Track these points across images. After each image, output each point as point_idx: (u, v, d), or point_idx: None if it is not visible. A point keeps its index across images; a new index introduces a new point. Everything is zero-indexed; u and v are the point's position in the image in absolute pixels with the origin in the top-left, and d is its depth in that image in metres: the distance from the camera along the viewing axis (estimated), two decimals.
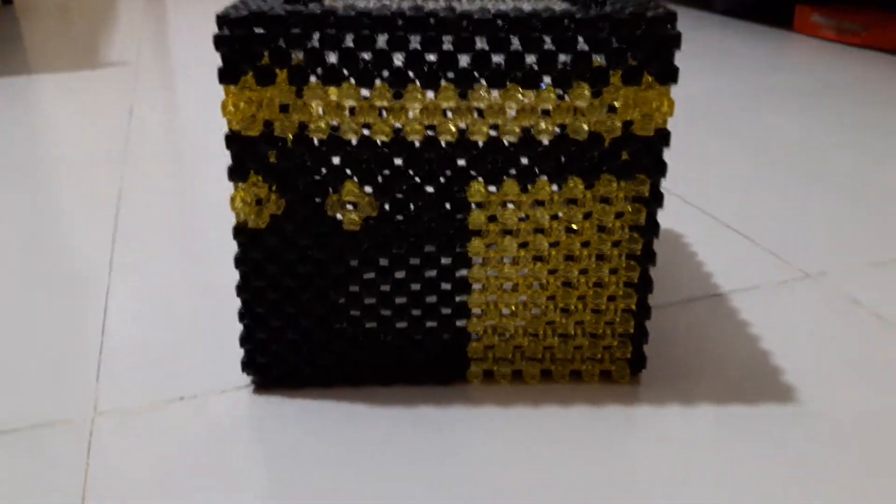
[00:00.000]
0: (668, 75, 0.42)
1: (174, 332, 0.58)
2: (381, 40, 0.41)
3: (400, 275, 0.48)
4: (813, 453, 0.45)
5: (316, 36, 0.41)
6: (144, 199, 0.83)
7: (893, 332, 0.57)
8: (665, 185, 0.86)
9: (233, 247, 0.70)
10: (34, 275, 0.67)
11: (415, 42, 0.41)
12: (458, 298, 0.48)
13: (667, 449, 0.45)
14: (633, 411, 0.49)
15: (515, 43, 0.42)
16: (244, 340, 0.49)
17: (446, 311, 0.49)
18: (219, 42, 0.41)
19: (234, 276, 0.65)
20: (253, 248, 0.46)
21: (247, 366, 0.50)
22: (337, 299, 0.48)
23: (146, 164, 0.93)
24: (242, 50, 0.41)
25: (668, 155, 0.95)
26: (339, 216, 0.46)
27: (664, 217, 0.77)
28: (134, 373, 0.53)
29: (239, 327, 0.57)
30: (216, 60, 1.47)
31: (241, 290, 0.48)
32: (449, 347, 0.49)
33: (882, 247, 0.70)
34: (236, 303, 0.61)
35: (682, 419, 0.48)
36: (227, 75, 0.42)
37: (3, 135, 1.04)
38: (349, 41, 0.41)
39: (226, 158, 0.94)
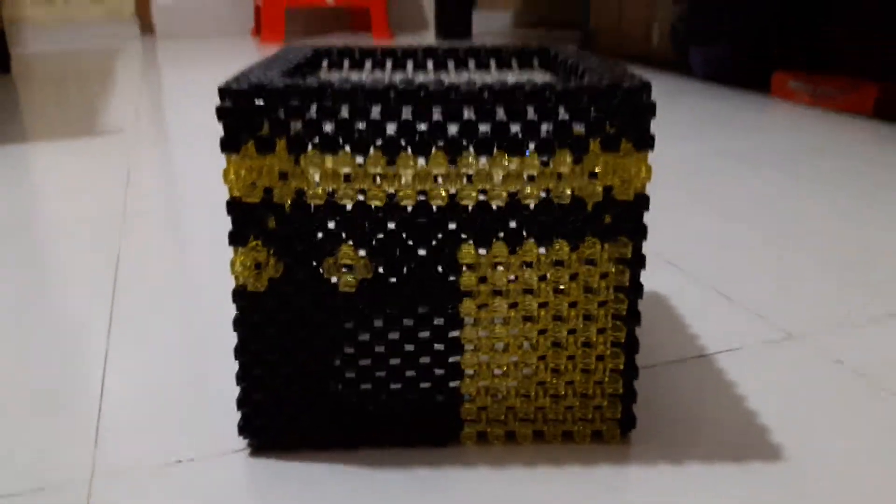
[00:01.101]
0: (645, 142, 0.44)
1: (172, 395, 0.58)
2: (375, 111, 0.44)
3: (394, 336, 0.49)
4: None
5: (314, 107, 0.44)
6: (142, 262, 0.84)
7: (874, 391, 0.58)
8: (648, 247, 0.88)
9: (230, 309, 0.71)
10: (32, 336, 0.68)
11: (407, 113, 0.44)
12: (451, 359, 0.49)
13: None
14: (624, 472, 0.49)
15: (500, 113, 0.44)
16: (241, 403, 0.50)
17: (440, 371, 0.50)
18: (221, 113, 0.43)
19: (232, 338, 0.66)
20: (252, 310, 0.48)
21: (243, 429, 0.51)
22: (333, 361, 0.49)
23: (144, 227, 0.95)
24: (244, 120, 0.44)
25: (651, 218, 0.97)
26: (335, 279, 0.47)
27: (648, 279, 0.79)
28: (132, 435, 0.54)
29: (236, 390, 0.58)
30: (211, 126, 1.51)
31: (240, 352, 0.49)
32: (443, 409, 0.50)
33: (863, 305, 0.72)
34: (233, 365, 0.62)
35: (673, 479, 0.49)
36: (228, 144, 0.44)
37: (1, 200, 1.06)
38: (345, 112, 0.44)
39: (222, 223, 0.96)
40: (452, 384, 0.50)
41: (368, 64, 0.63)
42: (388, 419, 0.51)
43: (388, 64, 0.63)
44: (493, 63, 0.63)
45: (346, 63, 0.63)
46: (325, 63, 0.63)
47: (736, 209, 1.00)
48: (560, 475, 0.49)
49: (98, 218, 1.00)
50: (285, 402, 0.50)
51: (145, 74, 2.29)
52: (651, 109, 0.43)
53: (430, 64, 0.64)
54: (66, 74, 2.30)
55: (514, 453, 0.51)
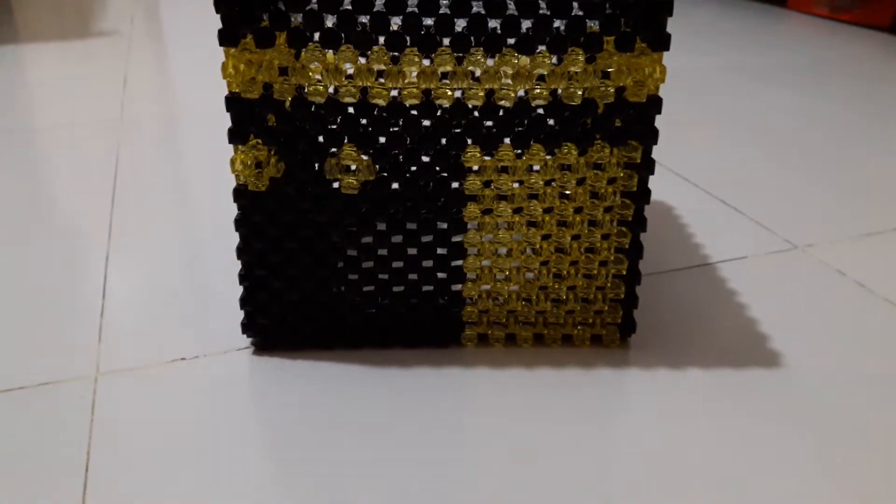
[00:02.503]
0: (660, 42, 0.43)
1: (174, 295, 0.59)
2: (379, 3, 0.42)
3: (397, 239, 0.48)
4: (798, 417, 0.46)
5: None
6: (142, 164, 0.83)
7: (874, 301, 0.59)
8: (657, 157, 0.86)
9: (232, 210, 0.71)
10: (34, 240, 0.67)
11: (412, 5, 0.42)
12: (453, 263, 0.49)
13: (656, 412, 0.47)
14: (624, 375, 0.50)
15: (511, 7, 0.42)
16: (244, 302, 0.50)
17: (442, 275, 0.50)
18: (219, 4, 0.41)
19: (234, 240, 0.66)
20: (253, 210, 0.47)
21: (247, 327, 0.51)
22: (336, 262, 0.49)
23: (142, 130, 0.93)
24: (242, 12, 0.42)
25: (661, 128, 0.95)
26: (337, 180, 0.46)
27: (655, 189, 0.78)
28: (135, 334, 0.54)
29: (239, 290, 0.58)
30: (210, 28, 1.46)
31: (242, 251, 0.48)
32: (444, 311, 0.51)
33: (867, 220, 0.72)
34: (236, 265, 0.62)
35: (671, 383, 0.49)
36: (226, 37, 0.42)
37: None
38: (347, 3, 0.42)
39: (222, 124, 0.94)
40: (454, 287, 0.50)
41: None
42: (390, 320, 0.51)
43: None
44: None
45: None
46: None
47: (745, 124, 0.98)
48: (559, 377, 0.50)
49: (95, 120, 0.98)
50: (288, 302, 0.50)
51: None
52: (668, 7, 0.41)
53: None
54: None
55: (513, 356, 0.52)
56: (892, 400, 0.48)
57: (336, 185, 0.47)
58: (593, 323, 0.51)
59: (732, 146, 0.90)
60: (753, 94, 1.10)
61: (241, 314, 0.55)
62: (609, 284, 0.50)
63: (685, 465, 0.43)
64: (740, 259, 0.65)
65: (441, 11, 0.42)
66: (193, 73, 1.20)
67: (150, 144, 0.90)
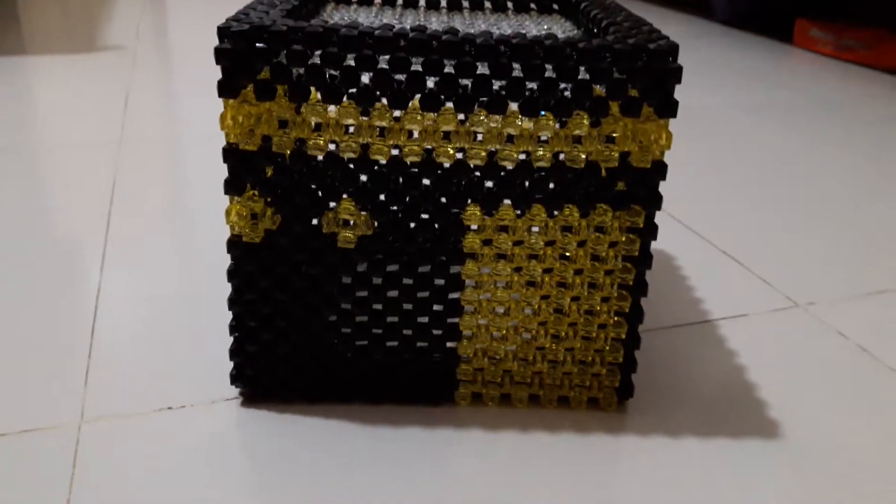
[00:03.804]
0: (668, 108, 0.42)
1: (164, 340, 0.57)
2: (383, 61, 0.41)
3: (392, 294, 0.47)
4: (796, 487, 0.45)
5: (317, 53, 0.41)
6: (138, 192, 0.82)
7: (876, 366, 0.57)
8: None
9: (226, 252, 0.70)
10: (23, 270, 0.66)
11: (416, 64, 0.41)
12: (449, 320, 0.48)
13: (651, 481, 0.45)
14: (619, 441, 0.49)
15: (517, 69, 0.41)
16: (234, 353, 0.49)
17: (437, 332, 0.48)
18: (220, 55, 0.41)
19: (227, 283, 0.65)
20: (246, 261, 0.46)
21: (236, 378, 0.50)
22: (329, 315, 0.48)
23: (140, 156, 0.93)
24: (243, 64, 0.41)
25: None
26: (333, 233, 0.45)
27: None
28: (122, 380, 0.53)
29: (229, 339, 0.57)
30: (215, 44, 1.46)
31: (233, 303, 0.47)
32: (438, 368, 0.49)
33: (870, 278, 0.71)
34: (228, 312, 0.61)
35: (668, 450, 0.48)
36: (227, 88, 0.42)
37: None
38: (351, 60, 0.41)
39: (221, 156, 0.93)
40: (449, 344, 0.49)
41: (378, 0, 0.59)
42: (383, 375, 0.50)
43: (399, 1, 0.60)
44: (510, 6, 0.60)
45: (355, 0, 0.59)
46: None
47: (749, 167, 0.98)
48: (554, 441, 0.48)
49: (95, 139, 0.97)
50: (278, 354, 0.49)
51: None
52: (677, 74, 0.41)
53: (443, 1, 0.60)
54: None
55: (508, 416, 0.50)
56: (889, 470, 0.46)
57: (333, 236, 0.46)
58: (590, 385, 0.50)
59: (734, 191, 0.90)
60: (757, 135, 1.10)
61: (230, 361, 0.54)
62: (608, 347, 0.49)
63: None
64: (741, 317, 0.64)
65: (445, 71, 0.41)
66: (198, 92, 1.20)
67: (149, 169, 0.89)
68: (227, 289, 0.64)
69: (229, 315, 0.60)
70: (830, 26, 1.58)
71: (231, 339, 0.54)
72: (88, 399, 0.51)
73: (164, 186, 0.85)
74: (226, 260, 0.69)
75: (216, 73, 1.31)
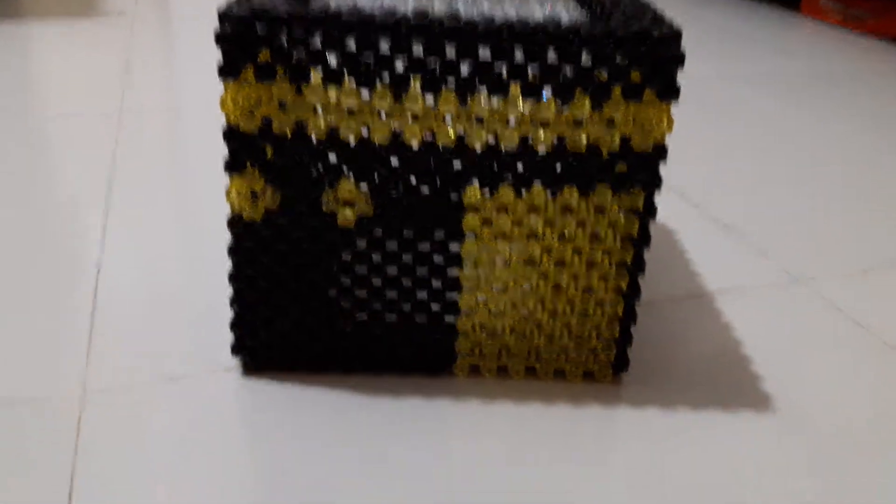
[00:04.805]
0: (670, 93, 0.42)
1: (165, 310, 0.58)
2: (384, 45, 0.41)
3: (392, 271, 0.48)
4: (788, 460, 0.46)
5: (318, 36, 0.41)
6: (139, 163, 0.82)
7: (871, 341, 0.58)
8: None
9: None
10: (24, 243, 0.67)
11: (418, 48, 0.41)
12: (448, 296, 0.49)
13: (644, 451, 0.47)
14: (613, 412, 0.50)
15: (519, 53, 0.41)
16: (235, 325, 0.50)
17: (436, 307, 0.49)
18: (220, 38, 0.41)
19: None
20: (247, 239, 0.47)
21: (237, 349, 0.51)
22: (328, 291, 0.48)
23: (141, 120, 0.92)
24: (243, 46, 0.41)
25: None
26: (333, 212, 0.46)
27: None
28: (124, 352, 0.54)
29: (230, 309, 0.58)
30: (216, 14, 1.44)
31: (234, 278, 0.48)
32: (437, 342, 0.50)
33: (870, 252, 0.71)
34: (229, 284, 0.61)
35: (661, 422, 0.49)
36: (227, 70, 0.42)
37: None
38: (352, 44, 0.41)
39: (222, 119, 0.93)
40: (448, 319, 0.50)
41: None
42: (382, 348, 0.51)
43: None
44: None
45: None
46: None
47: (752, 138, 0.97)
48: (549, 413, 0.50)
49: (94, 110, 0.97)
50: (279, 327, 0.50)
51: None
52: (680, 60, 0.41)
53: None
54: None
55: (504, 388, 0.51)
56: (881, 446, 0.48)
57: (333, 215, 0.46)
58: (586, 360, 0.51)
59: (737, 162, 0.90)
60: (764, 105, 1.09)
61: (231, 334, 0.55)
62: (604, 323, 0.50)
63: None
64: (738, 290, 0.65)
65: (447, 55, 0.41)
66: (198, 57, 1.19)
67: (149, 139, 0.89)
68: (229, 259, 0.65)
69: (230, 286, 0.60)
70: None
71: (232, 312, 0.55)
72: (91, 368, 0.52)
73: (165, 155, 0.85)
74: (227, 230, 0.69)
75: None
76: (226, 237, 0.67)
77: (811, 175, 0.87)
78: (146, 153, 0.84)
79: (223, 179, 0.78)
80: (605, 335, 0.50)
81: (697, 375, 0.54)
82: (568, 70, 0.41)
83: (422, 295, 0.49)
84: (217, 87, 1.03)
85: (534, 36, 0.40)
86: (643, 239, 0.47)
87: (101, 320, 0.57)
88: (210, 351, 0.54)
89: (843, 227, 0.76)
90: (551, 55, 0.41)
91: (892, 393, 0.53)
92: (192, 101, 0.99)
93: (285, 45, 0.41)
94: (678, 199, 0.81)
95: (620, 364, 0.52)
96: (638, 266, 0.48)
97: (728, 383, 0.53)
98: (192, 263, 0.64)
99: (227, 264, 0.63)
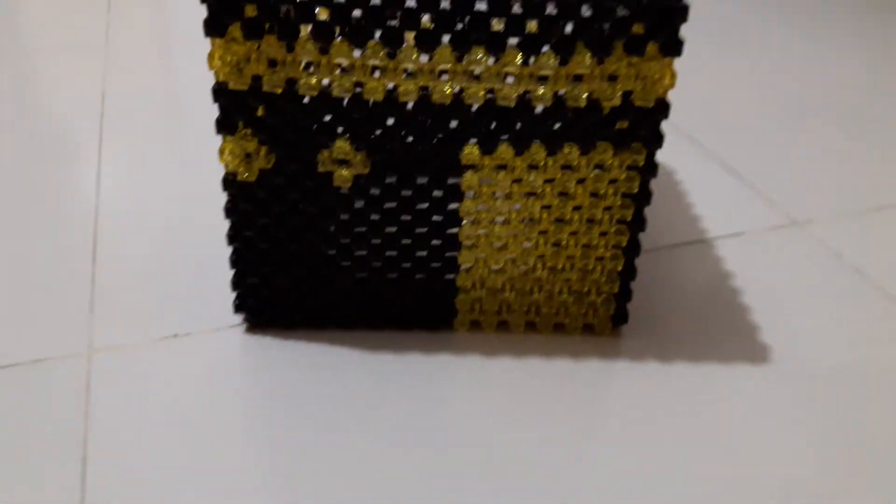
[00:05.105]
0: (673, 47, 0.40)
1: (165, 267, 0.58)
2: None
3: (391, 229, 0.47)
4: (784, 411, 0.47)
5: None
6: (129, 100, 0.80)
7: (870, 289, 0.58)
8: None
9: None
10: (19, 200, 0.66)
11: (411, 1, 0.39)
12: (447, 254, 0.48)
13: (642, 405, 0.47)
14: (612, 366, 0.50)
15: (516, 7, 0.39)
16: (236, 284, 0.50)
17: (436, 264, 0.49)
18: None
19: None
20: (243, 199, 0.46)
21: (239, 307, 0.51)
22: (327, 250, 0.48)
23: (128, 54, 0.90)
24: (229, 3, 0.39)
25: None
26: (329, 172, 0.45)
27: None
28: (126, 308, 0.54)
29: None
30: None
31: (232, 239, 0.48)
32: (437, 298, 0.50)
33: (874, 193, 0.70)
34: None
35: (659, 375, 0.50)
36: (212, 27, 0.40)
37: None
38: None
39: None
40: (448, 276, 0.50)
41: None
42: (383, 304, 0.51)
43: None
44: None
45: None
46: None
47: (763, 76, 0.94)
48: (549, 367, 0.50)
49: (79, 45, 0.94)
50: (279, 286, 0.50)
51: None
52: (683, 13, 0.39)
53: None
54: None
55: (504, 342, 0.52)
56: (879, 395, 0.48)
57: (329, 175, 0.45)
58: (586, 313, 0.51)
59: (746, 102, 0.87)
60: (776, 39, 1.05)
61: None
62: (604, 279, 0.50)
63: (665, 461, 0.44)
64: (737, 235, 0.64)
65: (441, 7, 0.39)
66: None
67: (139, 78, 0.86)
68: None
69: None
70: None
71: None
72: (95, 329, 0.52)
73: (155, 91, 0.83)
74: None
75: None
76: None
77: (822, 115, 0.84)
78: (136, 87, 0.82)
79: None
80: (605, 290, 0.50)
81: (694, 327, 0.54)
82: (568, 24, 0.40)
83: (421, 253, 0.49)
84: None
85: None
86: (644, 196, 0.46)
87: (102, 278, 0.57)
88: (213, 307, 0.53)
89: (847, 170, 0.74)
90: (550, 8, 0.39)
91: (890, 342, 0.53)
92: (181, 28, 0.96)
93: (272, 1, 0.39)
94: (679, 136, 0.79)
95: (620, 318, 0.52)
96: (638, 223, 0.47)
97: (724, 335, 0.53)
98: (191, 213, 0.63)
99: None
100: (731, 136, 0.79)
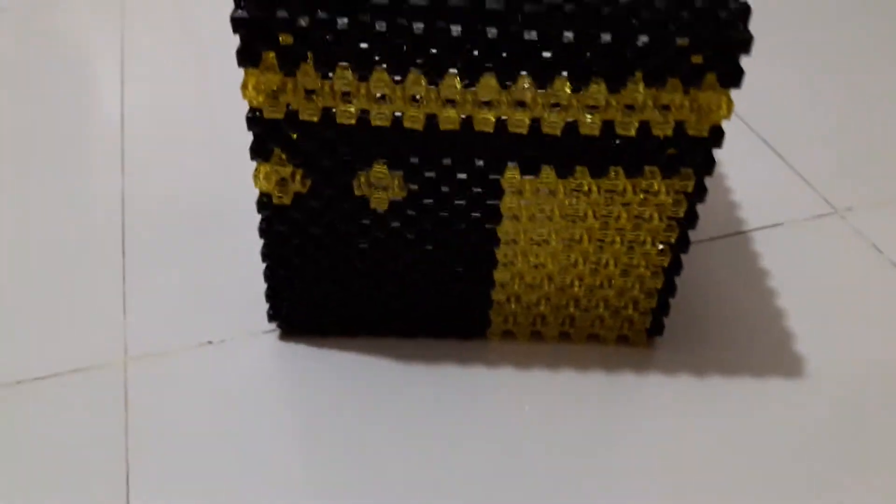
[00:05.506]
0: (732, 78, 0.38)
1: (198, 273, 0.56)
2: (418, 27, 0.37)
3: (427, 247, 0.46)
4: (816, 426, 0.47)
5: (345, 20, 0.36)
6: (150, 53, 0.78)
7: None
8: None
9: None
10: (48, 195, 0.65)
11: (455, 31, 0.37)
12: (483, 270, 0.48)
13: (675, 420, 0.47)
14: (645, 380, 0.50)
15: (568, 35, 0.37)
16: (269, 296, 0.49)
17: (471, 279, 0.48)
18: (236, 24, 0.36)
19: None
20: (277, 221, 0.45)
21: (273, 317, 0.51)
22: (361, 266, 0.47)
23: (148, 7, 0.86)
24: (261, 33, 0.37)
25: None
26: (366, 197, 0.44)
27: None
28: (159, 315, 0.53)
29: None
30: None
31: (266, 257, 0.47)
32: (471, 310, 0.50)
33: None
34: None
35: (693, 390, 0.50)
36: (246, 57, 0.38)
37: None
38: (382, 26, 0.37)
39: None
40: (483, 290, 0.49)
41: None
42: (416, 316, 0.50)
43: None
44: None
45: None
46: None
47: (821, 61, 0.86)
48: (582, 380, 0.50)
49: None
50: (313, 299, 0.49)
51: None
52: (746, 44, 0.36)
53: None
54: None
55: (538, 353, 0.51)
56: None
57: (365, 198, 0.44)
58: (621, 326, 0.51)
59: (802, 87, 0.80)
60: (835, 24, 0.96)
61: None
62: (643, 297, 0.49)
63: (695, 474, 0.44)
64: (776, 226, 0.62)
65: (489, 37, 0.37)
66: None
67: (159, 27, 0.83)
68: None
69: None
70: None
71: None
72: (129, 337, 0.52)
73: (176, 45, 0.80)
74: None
75: None
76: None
77: (869, 97, 0.78)
78: (157, 42, 0.79)
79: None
80: (643, 306, 0.49)
81: (729, 335, 0.53)
82: (622, 55, 0.37)
83: (457, 269, 0.48)
84: None
85: (584, 20, 0.35)
86: (690, 220, 0.44)
87: (133, 286, 0.55)
88: (247, 313, 0.52)
89: (893, 153, 0.71)
90: (605, 37, 0.37)
91: None
92: None
93: (304, 25, 0.36)
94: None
95: (655, 330, 0.51)
96: (682, 245, 0.46)
97: (760, 344, 0.53)
98: (224, 226, 0.59)
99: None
100: (785, 123, 0.75)
